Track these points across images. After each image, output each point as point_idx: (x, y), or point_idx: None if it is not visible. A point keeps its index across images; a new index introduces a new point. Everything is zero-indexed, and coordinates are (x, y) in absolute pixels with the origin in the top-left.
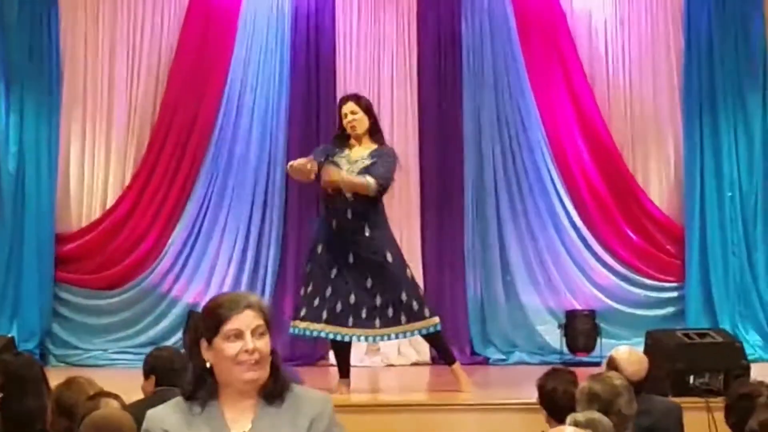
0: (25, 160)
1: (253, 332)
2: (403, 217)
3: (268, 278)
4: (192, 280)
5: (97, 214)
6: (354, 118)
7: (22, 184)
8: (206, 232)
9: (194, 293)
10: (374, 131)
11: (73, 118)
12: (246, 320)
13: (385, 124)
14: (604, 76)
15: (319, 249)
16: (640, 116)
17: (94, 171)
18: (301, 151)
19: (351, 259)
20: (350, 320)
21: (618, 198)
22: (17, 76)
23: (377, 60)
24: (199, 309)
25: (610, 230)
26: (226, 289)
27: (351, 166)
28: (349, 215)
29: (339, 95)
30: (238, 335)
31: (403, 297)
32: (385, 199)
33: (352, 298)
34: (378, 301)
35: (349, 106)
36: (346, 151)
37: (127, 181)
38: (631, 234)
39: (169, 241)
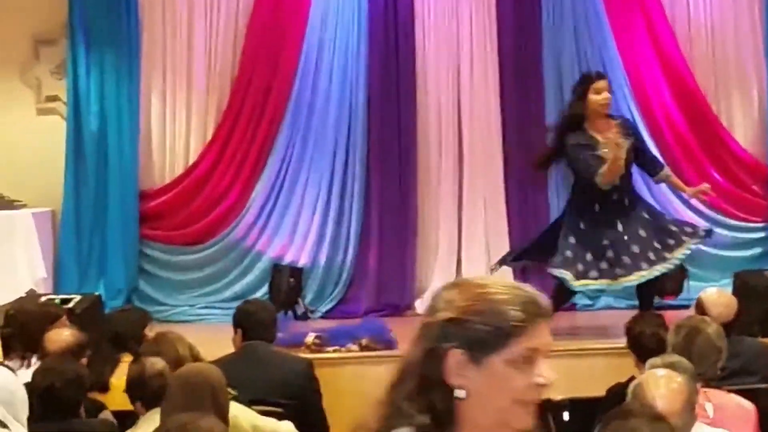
0: (107, 119)
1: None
2: (487, 167)
3: (352, 231)
4: (276, 234)
5: (179, 170)
6: (608, 96)
7: (105, 143)
8: (288, 186)
9: (278, 247)
10: None
11: (153, 76)
12: (544, 337)
13: (464, 75)
14: (685, 17)
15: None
16: (723, 57)
17: (175, 128)
18: (382, 103)
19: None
20: None
21: (702, 139)
22: (97, 36)
23: (455, 11)
24: (284, 263)
25: (694, 172)
26: (310, 242)
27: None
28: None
29: (418, 49)
30: (530, 359)
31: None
32: (467, 152)
33: None
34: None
35: (604, 84)
36: (592, 134)
37: (209, 137)
38: (716, 175)
39: (252, 195)
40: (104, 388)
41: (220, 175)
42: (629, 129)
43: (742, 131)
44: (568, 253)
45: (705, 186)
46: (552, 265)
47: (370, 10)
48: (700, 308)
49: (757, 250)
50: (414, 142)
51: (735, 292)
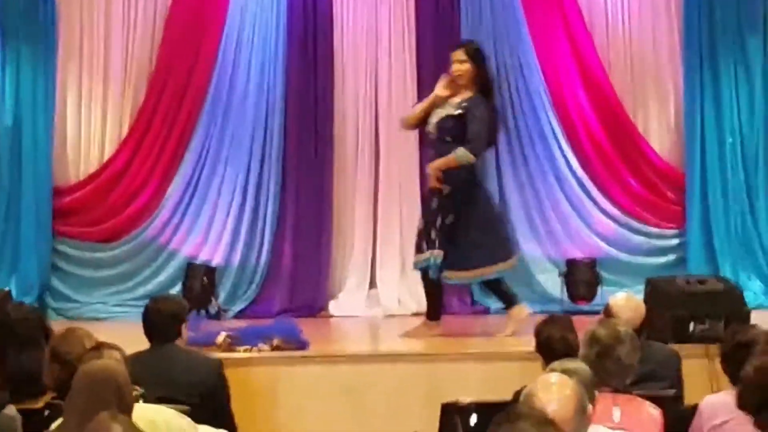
0: (21, 114)
1: None
2: (403, 169)
3: (266, 231)
4: (191, 232)
5: (94, 166)
6: (459, 68)
7: (19, 138)
8: (204, 183)
9: (193, 245)
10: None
11: (69, 70)
12: None
13: (382, 73)
14: (603, 22)
15: None
16: (640, 63)
17: (91, 123)
18: (300, 101)
19: None
20: None
21: (618, 145)
22: (12, 29)
23: (374, 8)
24: (197, 261)
25: (610, 178)
26: (224, 241)
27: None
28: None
29: (336, 48)
30: None
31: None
32: (384, 153)
33: None
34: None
35: (455, 54)
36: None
37: (125, 134)
38: (632, 181)
39: (168, 192)
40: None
41: (135, 172)
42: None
43: (658, 138)
44: None
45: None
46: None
47: (289, 9)
48: (609, 313)
49: (671, 257)
50: (330, 142)
51: (646, 299)
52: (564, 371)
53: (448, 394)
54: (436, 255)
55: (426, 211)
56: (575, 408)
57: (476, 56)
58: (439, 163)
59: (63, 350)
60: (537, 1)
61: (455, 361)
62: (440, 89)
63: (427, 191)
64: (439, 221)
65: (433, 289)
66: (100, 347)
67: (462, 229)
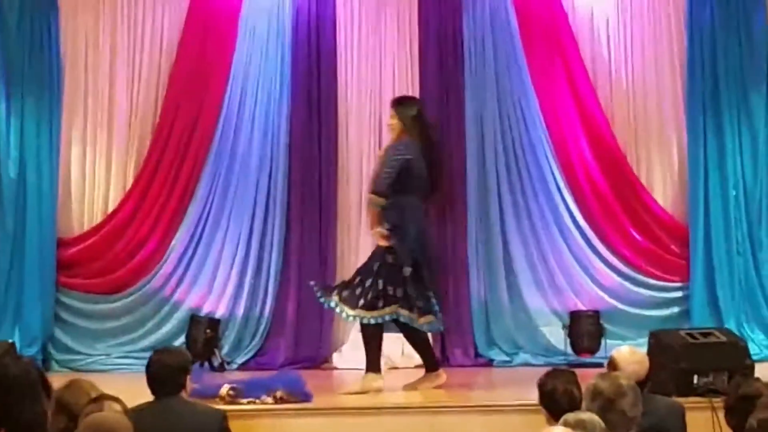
0: (26, 165)
1: None
2: None
3: (270, 282)
4: (194, 284)
5: (98, 218)
6: (389, 123)
7: (24, 189)
8: (208, 235)
9: (196, 297)
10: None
11: (73, 122)
12: None
13: (386, 133)
14: (606, 75)
15: None
16: (644, 115)
17: (95, 175)
18: (303, 153)
19: None
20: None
21: (621, 198)
22: (17, 80)
23: (379, 61)
24: (201, 313)
25: (613, 230)
26: (228, 293)
27: None
28: None
29: (340, 96)
30: None
31: None
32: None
33: None
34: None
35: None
36: None
37: (129, 185)
38: (635, 234)
39: (171, 245)
40: None
41: (139, 223)
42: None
43: (661, 190)
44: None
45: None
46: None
47: (293, 59)
48: (613, 366)
49: (675, 310)
50: (334, 194)
51: (650, 351)
52: (578, 422)
53: None
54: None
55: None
56: None
57: (398, 108)
58: (370, 219)
59: (68, 401)
60: (540, 53)
61: (458, 414)
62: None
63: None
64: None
65: (417, 341)
66: (100, 399)
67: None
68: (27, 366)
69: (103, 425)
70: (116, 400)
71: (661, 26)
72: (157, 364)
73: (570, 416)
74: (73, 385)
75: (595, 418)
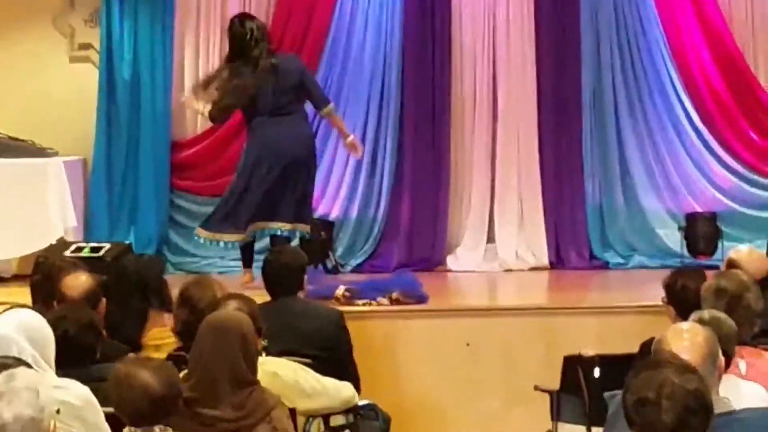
0: (140, 68)
1: None
2: (521, 122)
3: (384, 185)
4: None
5: None
6: None
7: (138, 92)
8: (321, 138)
9: None
10: None
11: (186, 24)
12: None
13: (500, 33)
14: None
15: None
16: (761, 15)
17: None
18: (416, 60)
19: None
20: None
21: (739, 98)
22: None
23: None
24: (315, 216)
25: (731, 131)
26: (342, 195)
27: None
28: None
29: (453, 4)
30: None
31: None
32: (502, 109)
33: None
34: None
35: None
36: None
37: None
38: (753, 134)
39: None
40: (136, 346)
41: None
42: None
43: None
44: None
45: (350, 139)
46: None
47: None
48: (732, 265)
49: None
50: (448, 99)
51: None
52: (712, 319)
53: (566, 348)
54: None
55: None
56: (705, 356)
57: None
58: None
59: (194, 296)
60: None
61: (574, 315)
62: None
63: None
64: None
65: None
66: (230, 297)
67: None
68: (148, 262)
69: (227, 322)
70: (244, 299)
71: None
72: (274, 263)
73: (704, 313)
74: (202, 281)
75: (729, 319)
